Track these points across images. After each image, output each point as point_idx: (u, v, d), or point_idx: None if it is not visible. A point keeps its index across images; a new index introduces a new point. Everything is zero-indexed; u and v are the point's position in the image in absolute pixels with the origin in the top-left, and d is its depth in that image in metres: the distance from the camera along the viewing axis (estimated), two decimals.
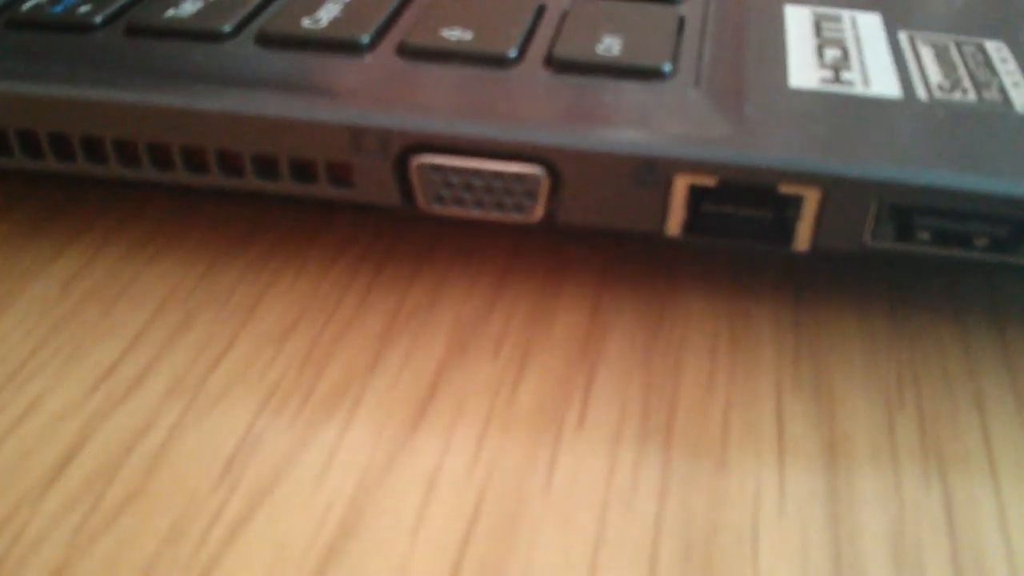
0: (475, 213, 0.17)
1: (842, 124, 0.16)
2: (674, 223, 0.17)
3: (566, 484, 0.15)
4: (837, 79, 0.18)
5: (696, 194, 0.16)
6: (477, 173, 0.16)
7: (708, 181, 0.16)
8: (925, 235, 0.16)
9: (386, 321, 0.18)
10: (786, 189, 0.16)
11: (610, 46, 0.18)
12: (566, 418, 0.16)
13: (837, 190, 0.16)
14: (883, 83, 0.17)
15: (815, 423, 0.16)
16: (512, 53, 0.18)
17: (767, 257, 0.19)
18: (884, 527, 0.14)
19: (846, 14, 0.20)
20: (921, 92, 0.17)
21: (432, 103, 0.17)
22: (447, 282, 0.19)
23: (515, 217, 0.17)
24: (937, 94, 0.17)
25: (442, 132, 0.16)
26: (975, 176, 0.15)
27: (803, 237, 0.16)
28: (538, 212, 0.17)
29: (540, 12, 0.20)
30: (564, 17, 0.20)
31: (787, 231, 0.16)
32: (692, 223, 0.17)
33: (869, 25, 0.20)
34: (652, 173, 0.16)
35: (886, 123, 0.16)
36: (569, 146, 0.16)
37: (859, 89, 0.17)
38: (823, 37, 0.19)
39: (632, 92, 0.17)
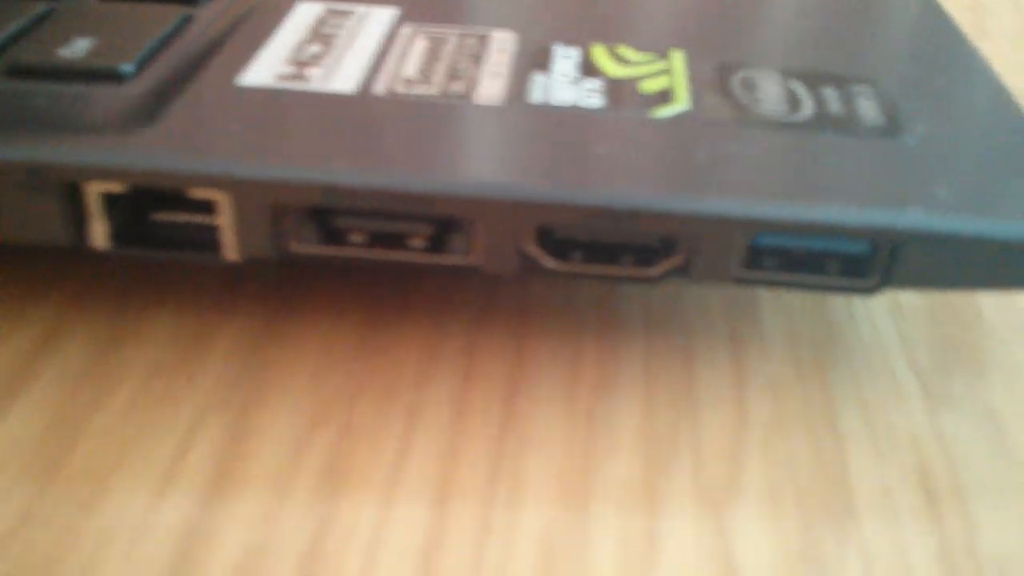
0: None
1: (275, 123, 0.15)
2: (98, 234, 0.15)
3: None
4: (299, 76, 0.16)
5: (122, 202, 0.15)
6: None
7: (116, 188, 0.15)
8: (359, 237, 0.15)
9: None
10: (197, 194, 0.15)
11: (79, 48, 0.17)
12: None
13: (244, 194, 0.14)
14: (345, 79, 0.16)
15: (219, 453, 0.14)
16: None
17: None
18: (238, 553, 0.13)
19: (361, 9, 0.19)
20: (380, 87, 0.16)
21: None
22: None
23: None
24: (399, 88, 0.16)
25: None
26: (387, 172, 0.14)
27: (230, 245, 0.15)
28: None
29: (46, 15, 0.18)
30: (44, 19, 0.18)
31: (214, 239, 0.15)
32: (119, 234, 0.15)
33: (379, 20, 0.19)
34: (41, 180, 0.15)
35: (319, 120, 0.15)
36: None
37: (315, 85, 0.16)
38: (317, 33, 0.18)
39: (73, 96, 0.16)
